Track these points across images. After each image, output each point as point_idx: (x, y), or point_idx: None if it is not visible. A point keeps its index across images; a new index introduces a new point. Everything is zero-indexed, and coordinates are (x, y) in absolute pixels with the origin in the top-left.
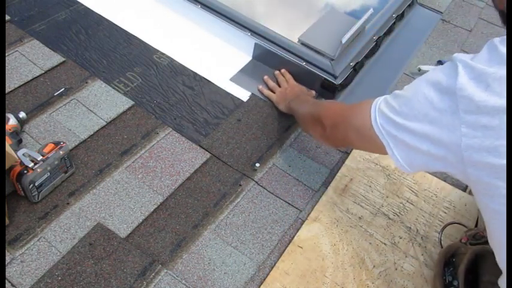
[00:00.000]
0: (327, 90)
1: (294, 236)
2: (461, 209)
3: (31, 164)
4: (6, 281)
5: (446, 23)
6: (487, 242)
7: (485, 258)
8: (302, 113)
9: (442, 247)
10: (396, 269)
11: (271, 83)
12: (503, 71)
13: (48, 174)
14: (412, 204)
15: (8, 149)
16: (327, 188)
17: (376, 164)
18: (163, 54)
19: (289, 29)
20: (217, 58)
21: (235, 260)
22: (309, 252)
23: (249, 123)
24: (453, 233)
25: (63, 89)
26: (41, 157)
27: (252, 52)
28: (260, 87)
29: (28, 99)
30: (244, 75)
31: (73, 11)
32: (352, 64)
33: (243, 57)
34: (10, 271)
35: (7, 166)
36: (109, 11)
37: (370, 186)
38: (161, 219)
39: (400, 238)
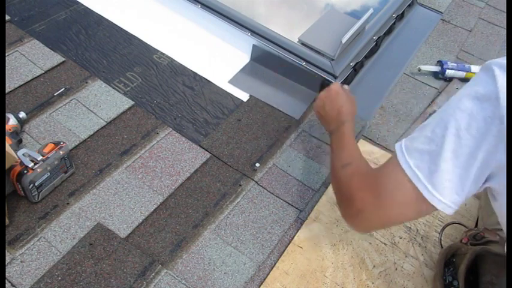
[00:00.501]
0: None
1: (294, 236)
2: (461, 209)
3: (31, 164)
4: (6, 281)
5: (446, 23)
6: (487, 243)
7: (486, 258)
8: (332, 162)
9: (442, 247)
10: (396, 269)
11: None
12: None
13: (48, 174)
14: None
15: (8, 149)
16: (327, 188)
17: (376, 164)
18: (163, 54)
19: (289, 29)
20: (217, 58)
21: (235, 260)
22: (309, 252)
23: (249, 123)
24: (453, 233)
25: (63, 89)
26: (41, 157)
27: (250, 54)
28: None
29: (28, 99)
30: (243, 77)
31: (73, 11)
32: (352, 64)
33: (243, 57)
34: (10, 271)
35: (7, 166)
36: (109, 11)
37: None
38: (161, 219)
39: (400, 238)
